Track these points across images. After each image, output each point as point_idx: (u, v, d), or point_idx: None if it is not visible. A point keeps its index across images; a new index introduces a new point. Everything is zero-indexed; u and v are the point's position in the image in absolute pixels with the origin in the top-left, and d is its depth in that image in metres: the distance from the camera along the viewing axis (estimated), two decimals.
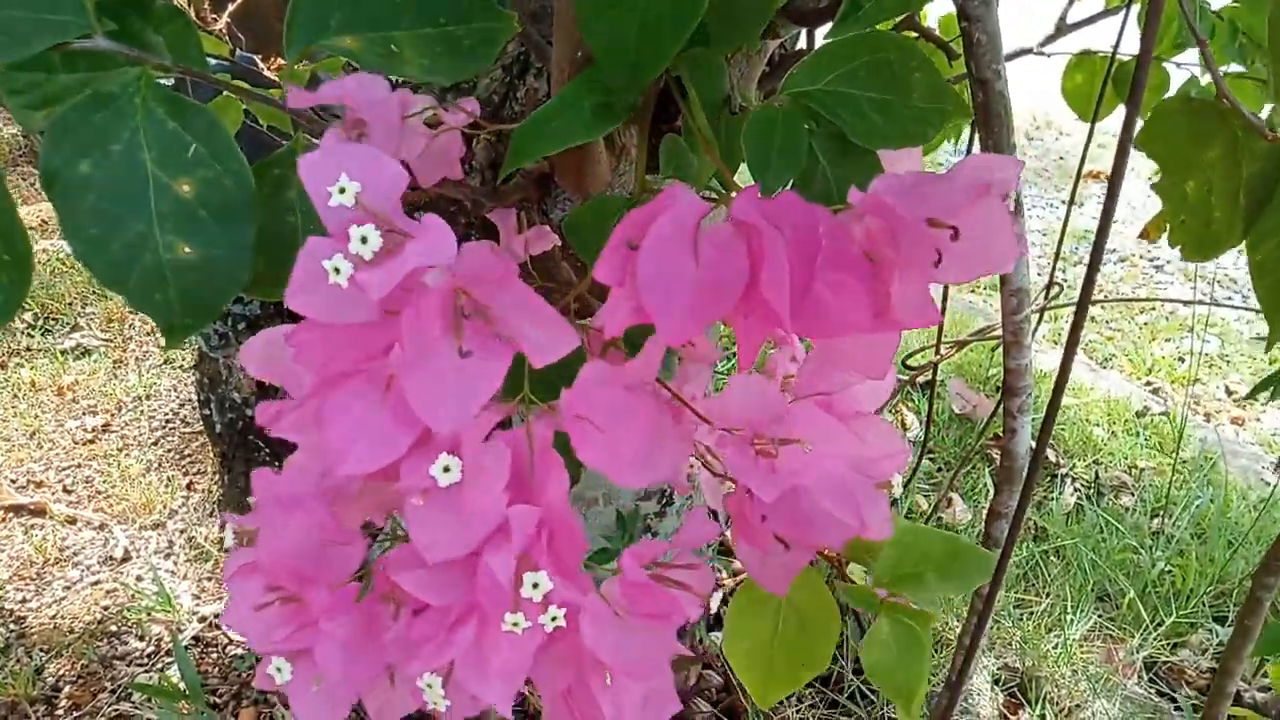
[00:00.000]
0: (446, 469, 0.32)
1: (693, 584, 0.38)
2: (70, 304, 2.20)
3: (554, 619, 0.33)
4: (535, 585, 0.32)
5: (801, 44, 0.78)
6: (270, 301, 1.29)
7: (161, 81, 0.38)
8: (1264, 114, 0.57)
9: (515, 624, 0.32)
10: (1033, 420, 0.64)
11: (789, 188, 0.47)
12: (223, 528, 1.51)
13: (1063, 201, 3.53)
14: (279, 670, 0.35)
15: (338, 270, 0.30)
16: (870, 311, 0.30)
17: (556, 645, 0.35)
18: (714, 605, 1.39)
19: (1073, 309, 0.45)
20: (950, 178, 0.31)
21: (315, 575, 0.36)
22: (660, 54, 0.39)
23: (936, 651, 1.38)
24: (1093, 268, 0.38)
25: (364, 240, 0.30)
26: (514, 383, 0.37)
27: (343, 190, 0.30)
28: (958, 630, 1.21)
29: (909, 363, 0.96)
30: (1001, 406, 0.63)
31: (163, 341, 2.27)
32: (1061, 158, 3.87)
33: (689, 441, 0.41)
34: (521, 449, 0.35)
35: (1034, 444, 0.58)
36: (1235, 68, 0.73)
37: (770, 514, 0.39)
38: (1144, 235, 0.57)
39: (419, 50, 0.37)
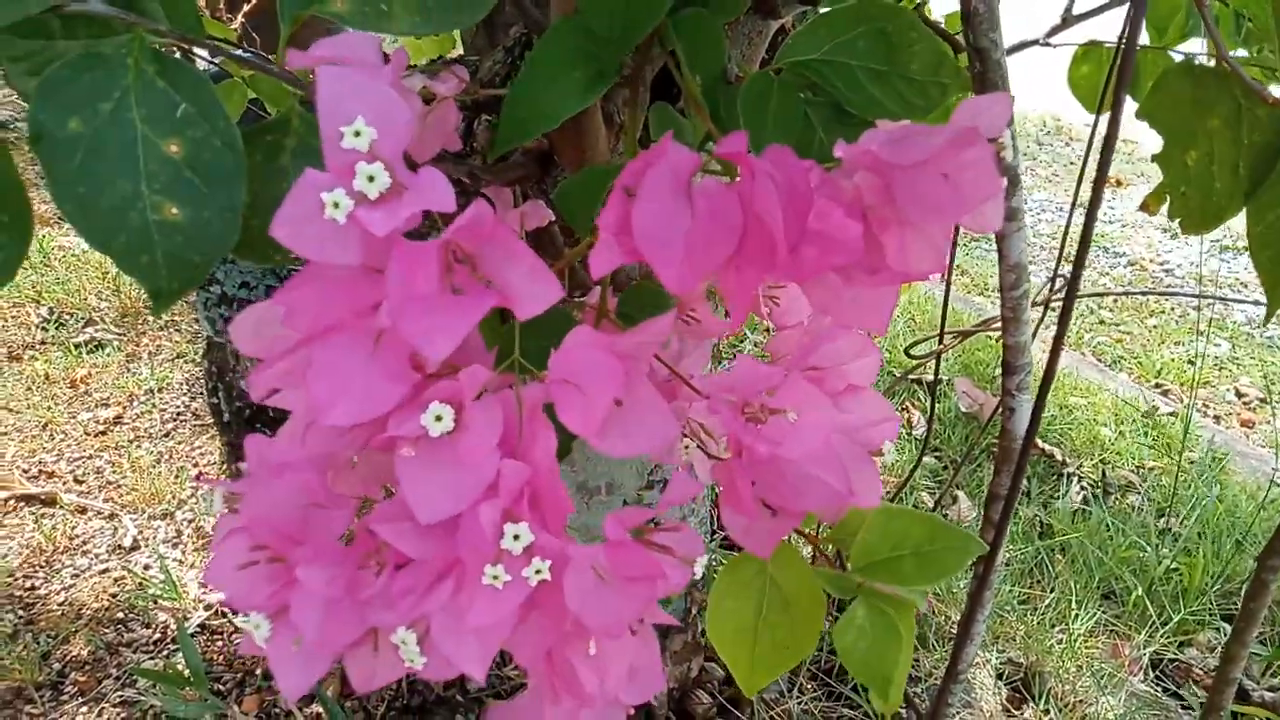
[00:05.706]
0: (439, 418, 0.31)
1: (677, 548, 0.38)
2: (84, 299, 2.22)
3: (538, 571, 0.32)
4: (516, 537, 0.31)
5: None
6: (273, 288, 1.29)
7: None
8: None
9: (495, 577, 0.31)
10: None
11: None
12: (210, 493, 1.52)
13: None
14: (256, 626, 0.33)
15: (337, 205, 0.29)
16: (864, 242, 0.30)
17: (536, 611, 0.34)
18: None
19: (1078, 300, 0.45)
20: (939, 127, 0.31)
21: (300, 536, 0.35)
22: (651, 11, 0.39)
23: (938, 645, 1.37)
24: (1086, 236, 0.38)
25: (370, 179, 0.29)
26: (508, 353, 0.37)
27: (358, 134, 0.29)
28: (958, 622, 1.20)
29: (912, 352, 0.96)
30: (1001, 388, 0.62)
31: (175, 336, 2.27)
32: (1073, 163, 3.86)
33: (677, 416, 0.41)
34: (512, 412, 0.35)
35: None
36: (1241, 53, 0.73)
37: (758, 480, 0.39)
38: (1143, 208, 0.56)
39: (410, 8, 0.37)
